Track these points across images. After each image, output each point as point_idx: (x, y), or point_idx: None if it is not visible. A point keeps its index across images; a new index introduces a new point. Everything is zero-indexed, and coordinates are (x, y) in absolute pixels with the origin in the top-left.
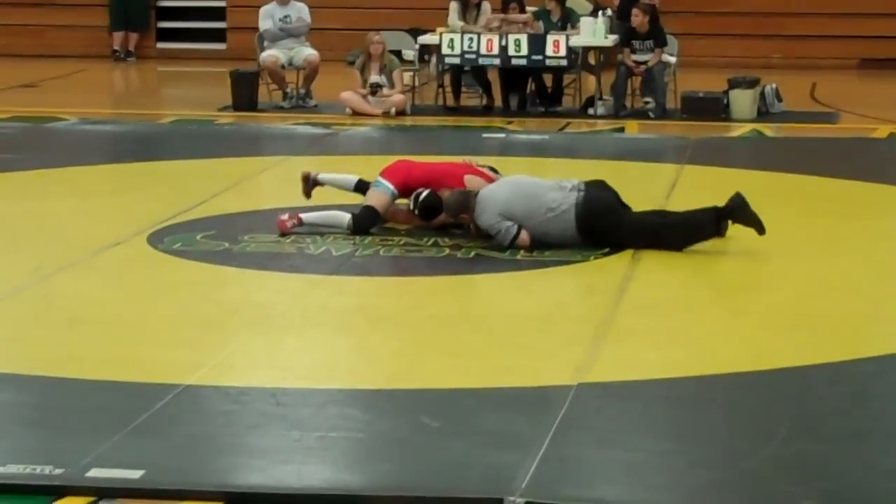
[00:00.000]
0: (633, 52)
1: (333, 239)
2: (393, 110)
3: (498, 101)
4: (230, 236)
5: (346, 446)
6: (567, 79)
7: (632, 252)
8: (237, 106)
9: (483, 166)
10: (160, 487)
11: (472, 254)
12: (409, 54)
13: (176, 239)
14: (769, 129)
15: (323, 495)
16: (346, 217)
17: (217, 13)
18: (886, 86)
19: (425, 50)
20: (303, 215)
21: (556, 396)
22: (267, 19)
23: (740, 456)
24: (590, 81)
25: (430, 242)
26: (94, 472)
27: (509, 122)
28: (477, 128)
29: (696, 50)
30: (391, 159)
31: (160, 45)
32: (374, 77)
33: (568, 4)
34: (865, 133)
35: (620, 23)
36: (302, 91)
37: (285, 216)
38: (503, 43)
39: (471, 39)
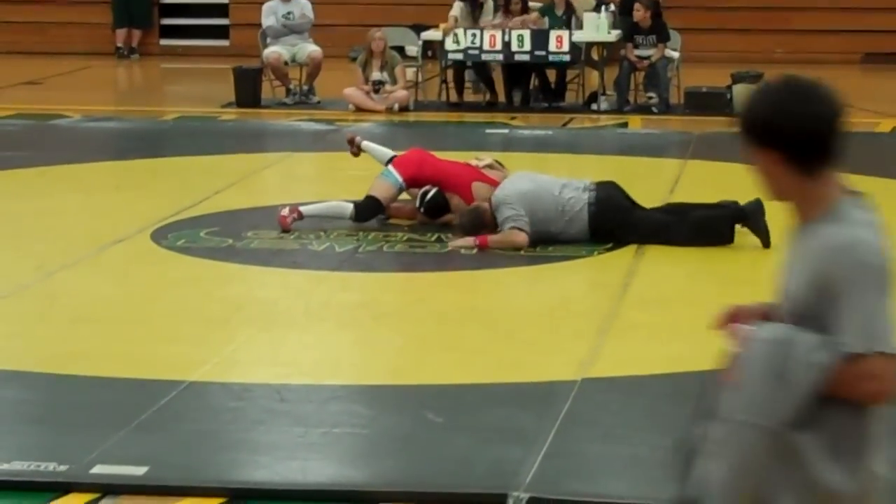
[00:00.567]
0: (636, 47)
1: (337, 235)
2: (396, 106)
3: (501, 97)
4: (234, 233)
5: (351, 442)
6: (570, 74)
7: (635, 247)
8: (240, 102)
9: (487, 165)
10: (164, 484)
11: (475, 250)
12: (412, 50)
13: (179, 236)
14: None
15: (327, 491)
16: (348, 207)
17: (220, 10)
18: (890, 80)
19: (428, 46)
20: (303, 208)
21: (561, 391)
22: (270, 16)
23: None
24: (593, 77)
25: (433, 238)
26: (99, 469)
27: (512, 118)
28: (480, 123)
29: (699, 45)
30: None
31: (163, 41)
32: (376, 74)
33: None
34: (869, 128)
35: (623, 18)
36: (305, 87)
37: (285, 211)
38: (506, 38)
39: (474, 35)
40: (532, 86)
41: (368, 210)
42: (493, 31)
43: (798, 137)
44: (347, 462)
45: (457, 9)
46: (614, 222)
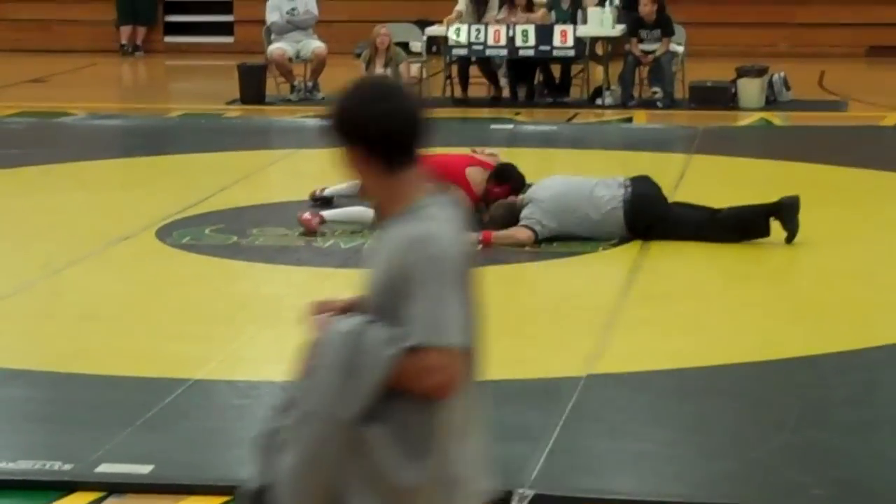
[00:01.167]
0: (641, 41)
1: (342, 232)
2: None
3: (506, 92)
4: (239, 230)
5: None
6: (575, 69)
7: (640, 242)
8: (245, 99)
9: (488, 154)
10: (169, 482)
11: (479, 245)
12: (417, 46)
13: (185, 233)
14: (777, 118)
15: None
16: (369, 212)
17: (224, 6)
18: (894, 73)
19: (433, 42)
20: (325, 213)
21: (566, 387)
22: (274, 12)
23: (750, 446)
24: (597, 71)
25: None
26: (104, 468)
27: (517, 113)
28: (485, 119)
29: (704, 39)
30: None
31: (168, 39)
32: (380, 70)
33: None
34: (874, 121)
35: (627, 12)
36: (310, 84)
37: (307, 214)
38: (510, 34)
39: (478, 31)
40: (537, 81)
41: None
42: (497, 27)
43: (379, 134)
44: None
45: (462, 3)
46: (650, 219)
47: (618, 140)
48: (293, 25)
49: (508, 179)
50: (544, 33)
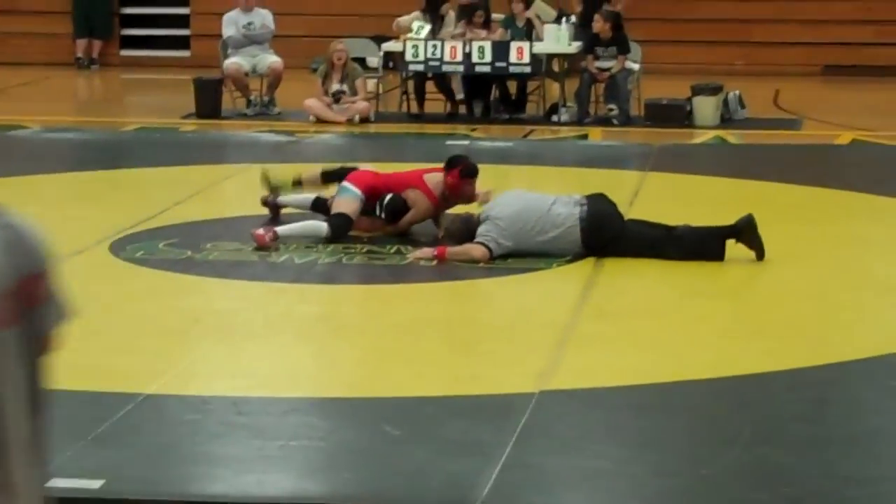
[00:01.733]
0: (597, 58)
1: (296, 247)
2: (357, 118)
3: (462, 108)
4: (193, 244)
5: (308, 455)
6: (531, 86)
7: (594, 259)
8: (201, 113)
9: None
10: (120, 497)
11: (435, 262)
12: (373, 61)
13: (138, 247)
14: (732, 136)
15: None
16: (323, 227)
17: (181, 21)
18: (849, 92)
19: (389, 57)
20: (278, 229)
21: (519, 404)
22: (230, 26)
23: (702, 462)
24: (553, 88)
25: (392, 250)
26: (54, 483)
27: (473, 129)
28: (441, 135)
29: (660, 57)
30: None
31: (124, 52)
32: (336, 85)
33: (532, 10)
34: (828, 140)
35: (583, 29)
36: (265, 98)
37: (261, 230)
38: (467, 50)
39: (434, 47)
40: (493, 97)
41: (342, 228)
42: (453, 43)
43: None
44: (305, 475)
45: (414, 18)
46: (607, 237)
47: (573, 157)
48: (249, 40)
49: (456, 164)
50: (501, 50)
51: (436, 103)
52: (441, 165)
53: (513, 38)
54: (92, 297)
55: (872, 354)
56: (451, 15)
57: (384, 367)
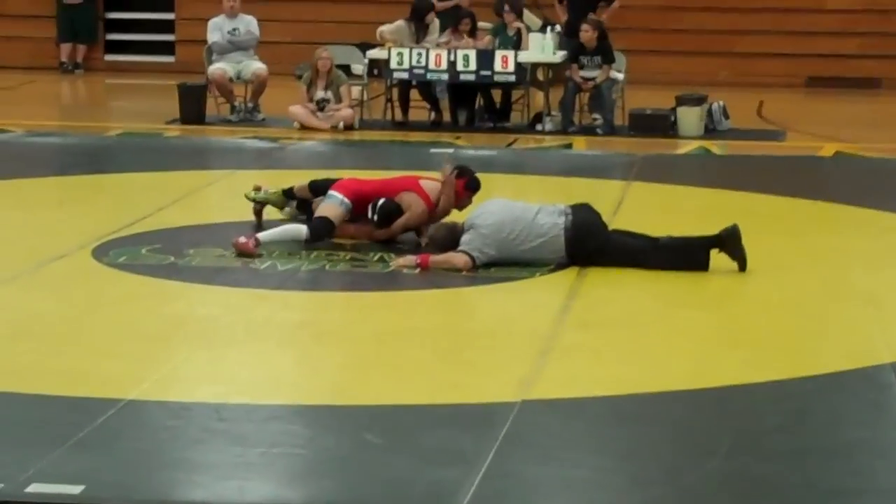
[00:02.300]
0: (581, 68)
1: (279, 254)
2: (341, 125)
3: (446, 116)
4: (175, 250)
5: (289, 462)
6: (515, 94)
7: (577, 269)
8: (185, 119)
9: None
10: (100, 503)
11: (418, 270)
12: (358, 69)
13: (121, 252)
14: (716, 147)
15: None
16: (303, 230)
17: (166, 26)
18: (833, 104)
19: (374, 64)
20: (259, 235)
21: (500, 413)
22: (215, 32)
23: (682, 473)
24: (538, 97)
25: (376, 258)
26: (34, 488)
27: (457, 138)
28: (425, 143)
29: (644, 67)
30: (338, 174)
31: (108, 57)
32: (321, 92)
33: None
34: (811, 151)
35: (568, 39)
36: (250, 104)
37: (243, 238)
38: (451, 58)
39: (419, 54)
40: (477, 105)
41: (321, 231)
42: (438, 51)
43: None
44: (285, 482)
45: (398, 27)
46: (591, 247)
47: (557, 166)
48: (234, 46)
49: (464, 174)
50: (485, 58)
51: (420, 111)
52: (434, 175)
53: (502, 47)
54: (73, 302)
55: (854, 366)
56: (436, 23)
57: (366, 375)
